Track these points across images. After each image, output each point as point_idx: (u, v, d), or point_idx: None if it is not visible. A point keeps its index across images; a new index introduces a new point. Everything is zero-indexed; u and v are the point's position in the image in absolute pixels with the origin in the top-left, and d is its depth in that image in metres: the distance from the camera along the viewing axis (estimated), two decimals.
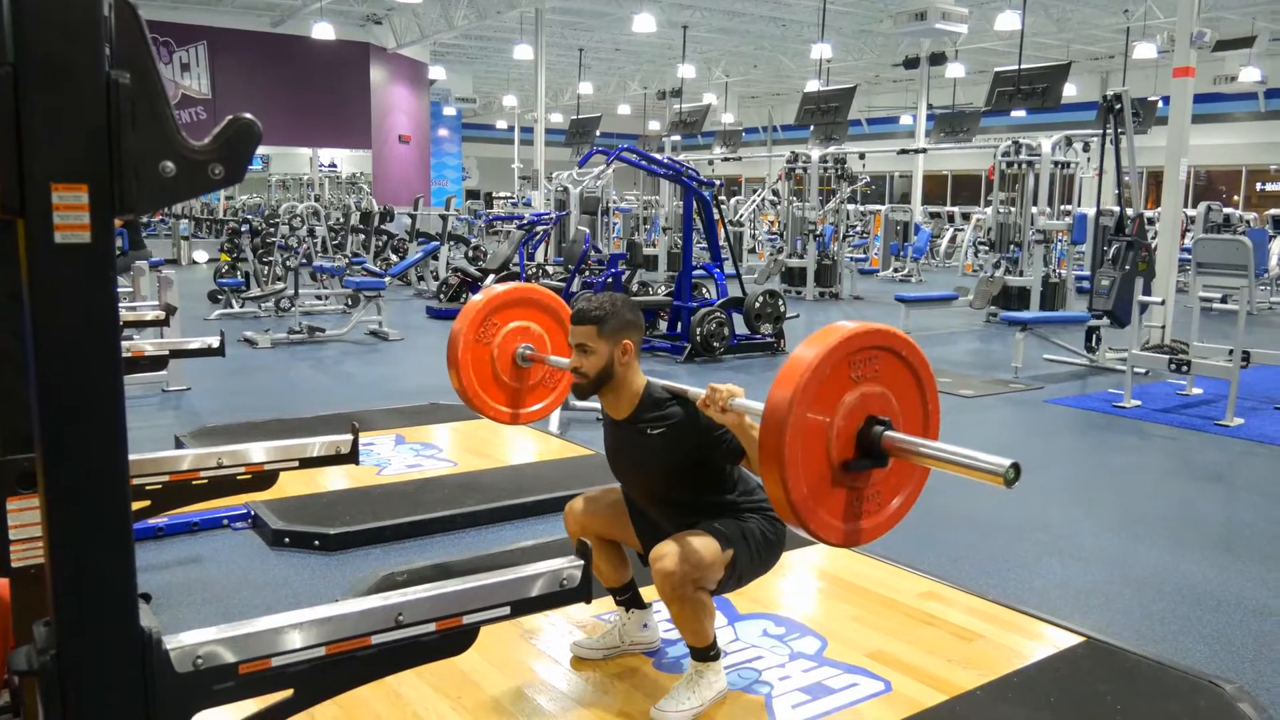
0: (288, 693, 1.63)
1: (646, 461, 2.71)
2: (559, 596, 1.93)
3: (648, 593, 3.01)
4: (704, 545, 2.53)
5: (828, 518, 1.98)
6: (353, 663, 1.66)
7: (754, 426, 2.32)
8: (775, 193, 18.39)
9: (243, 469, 2.68)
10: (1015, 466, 1.82)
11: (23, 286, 1.32)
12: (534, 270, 11.64)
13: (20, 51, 1.23)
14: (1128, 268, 8.17)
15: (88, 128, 1.27)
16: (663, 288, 11.09)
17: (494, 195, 26.87)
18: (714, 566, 2.54)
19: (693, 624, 2.62)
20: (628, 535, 2.86)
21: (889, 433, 1.99)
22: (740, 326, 9.26)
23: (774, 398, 1.89)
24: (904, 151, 20.54)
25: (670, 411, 2.66)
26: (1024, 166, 12.23)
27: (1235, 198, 24.91)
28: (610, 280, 9.07)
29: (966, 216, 21.32)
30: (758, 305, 9.22)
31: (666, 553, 2.50)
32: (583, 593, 1.98)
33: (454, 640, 1.77)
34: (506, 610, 1.83)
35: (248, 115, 1.39)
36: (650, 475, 2.74)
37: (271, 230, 12.28)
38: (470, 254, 14.93)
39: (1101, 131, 9.37)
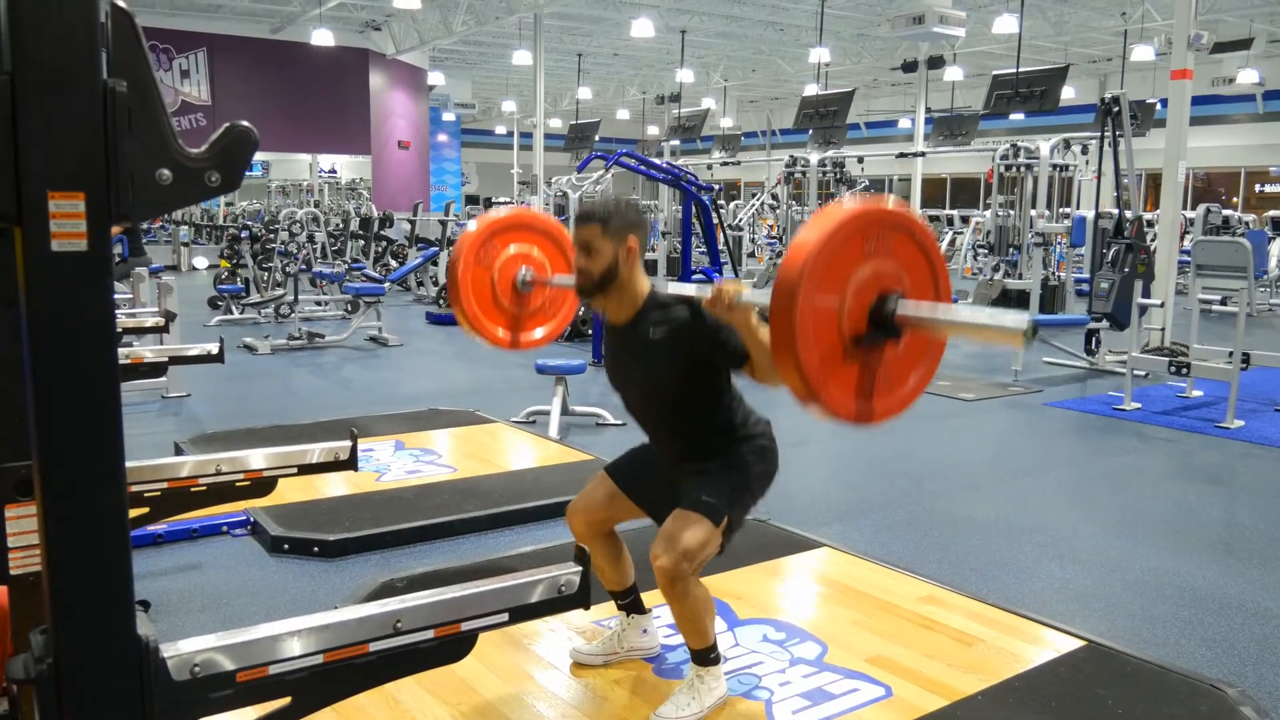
0: (286, 700, 1.62)
1: (647, 367, 2.66)
2: (558, 602, 1.93)
3: (648, 598, 3.01)
4: (695, 532, 2.51)
5: (839, 392, 1.94)
6: (351, 670, 1.65)
7: (761, 328, 2.32)
8: (774, 196, 18.40)
9: (242, 475, 2.68)
10: (1033, 324, 1.79)
11: (19, 295, 1.32)
12: None
13: (17, 59, 1.23)
14: (1127, 270, 8.17)
15: (84, 136, 1.27)
16: None
17: (493, 200, 26.88)
18: (709, 545, 2.54)
19: (694, 622, 2.61)
20: (631, 509, 2.84)
21: (902, 302, 1.97)
22: None
23: (787, 266, 1.86)
24: (903, 155, 20.55)
25: (675, 313, 2.60)
26: (1022, 169, 12.24)
27: (1234, 199, 24.92)
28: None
29: (965, 219, 21.31)
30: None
31: (662, 550, 2.51)
32: (581, 598, 1.97)
33: (453, 647, 1.76)
34: (505, 617, 1.83)
35: (244, 123, 1.39)
36: (650, 382, 2.69)
37: (271, 236, 12.29)
38: None
39: (1100, 134, 9.38)
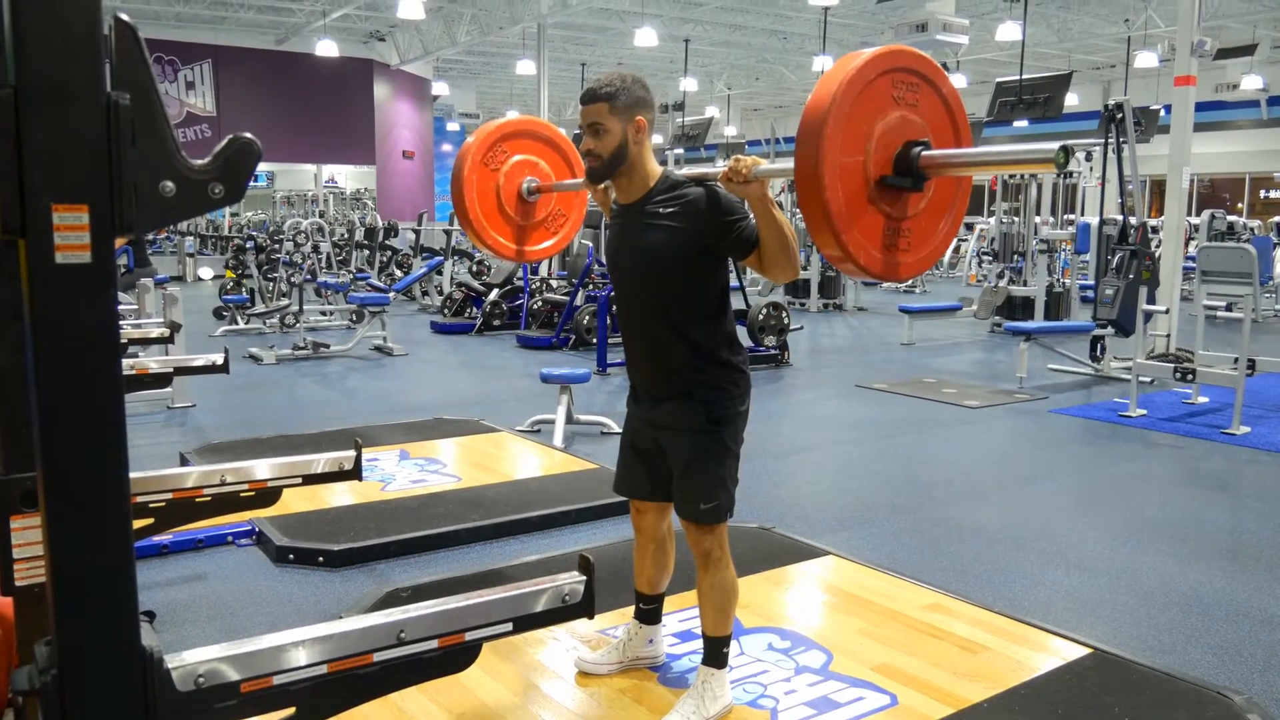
0: (289, 711, 1.62)
1: (650, 245, 2.55)
2: (562, 612, 1.93)
3: (669, 601, 3.01)
4: (710, 534, 2.64)
5: (865, 240, 1.92)
6: (355, 680, 1.65)
7: (775, 207, 2.34)
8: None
9: (246, 486, 2.68)
10: (1064, 148, 1.76)
11: (24, 306, 1.33)
12: (538, 284, 11.65)
13: (21, 73, 1.24)
14: (1131, 276, 8.16)
15: (88, 148, 1.28)
16: None
17: None
18: (722, 528, 2.66)
19: (721, 602, 2.67)
20: (654, 505, 2.84)
21: (927, 152, 1.95)
22: (744, 338, 9.24)
23: (817, 94, 1.84)
24: None
25: (688, 191, 2.52)
26: (1027, 176, 12.23)
27: (1239, 205, 24.88)
28: (614, 294, 9.08)
29: (970, 227, 21.30)
30: (761, 317, 9.22)
31: (690, 532, 2.66)
32: (585, 608, 1.97)
33: (456, 657, 1.76)
34: (509, 627, 1.83)
35: (247, 134, 1.40)
36: (650, 264, 2.58)
37: (276, 246, 12.32)
38: (474, 269, 14.95)
39: (1104, 141, 9.37)
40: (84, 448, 1.31)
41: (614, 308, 2.84)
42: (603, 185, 2.74)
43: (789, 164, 1.95)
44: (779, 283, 2.20)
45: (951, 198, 2.10)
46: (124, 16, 1.31)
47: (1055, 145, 1.77)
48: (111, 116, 1.28)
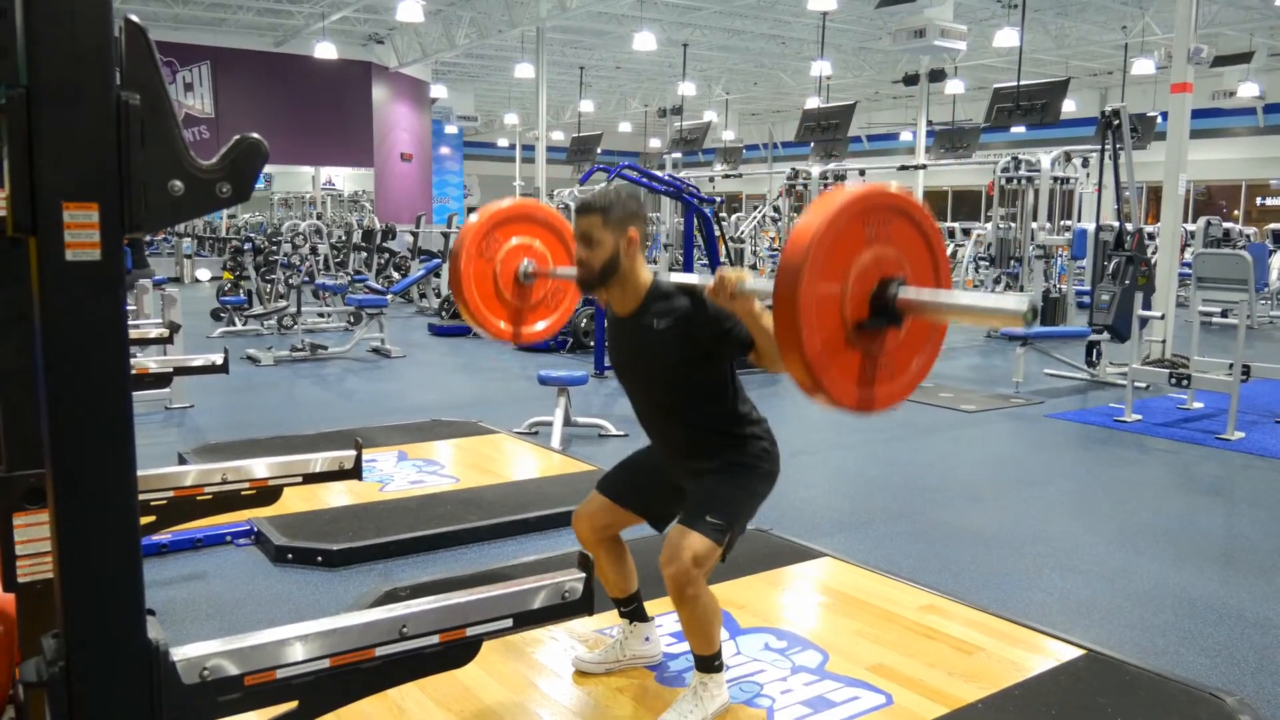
0: (292, 704, 1.64)
1: (652, 358, 2.65)
2: (561, 609, 1.95)
3: (650, 607, 3.03)
4: (702, 543, 2.53)
5: (842, 380, 1.95)
6: (357, 674, 1.67)
7: (764, 314, 2.33)
8: (776, 209, 18.45)
9: (247, 484, 2.69)
10: (1034, 306, 1.79)
11: (32, 304, 1.35)
12: None
13: (33, 74, 1.26)
14: (1128, 282, 8.20)
15: (98, 148, 1.30)
16: None
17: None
18: (714, 554, 2.56)
19: (703, 629, 2.63)
20: (629, 515, 2.86)
21: (904, 289, 1.98)
22: None
23: (789, 253, 1.87)
24: (904, 168, 20.59)
25: (678, 304, 2.60)
26: (1023, 182, 12.28)
27: (1235, 212, 24.96)
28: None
29: (967, 232, 21.34)
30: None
31: (669, 559, 2.52)
32: (584, 605, 1.99)
33: (457, 652, 1.78)
34: (509, 622, 1.85)
35: (254, 135, 1.42)
36: (655, 373, 2.68)
37: (274, 248, 12.34)
38: None
39: (1100, 147, 9.42)
40: (92, 442, 1.33)
41: (631, 403, 2.91)
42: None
43: (770, 285, 1.99)
44: (781, 374, 2.22)
45: (930, 331, 2.14)
46: (134, 18, 1.33)
47: (1026, 300, 1.82)
48: (122, 116, 1.30)
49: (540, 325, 3.48)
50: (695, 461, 2.69)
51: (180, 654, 1.51)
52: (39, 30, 1.25)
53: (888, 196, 2.01)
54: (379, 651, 1.68)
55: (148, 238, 16.58)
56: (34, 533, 2.01)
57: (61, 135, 1.27)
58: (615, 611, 3.03)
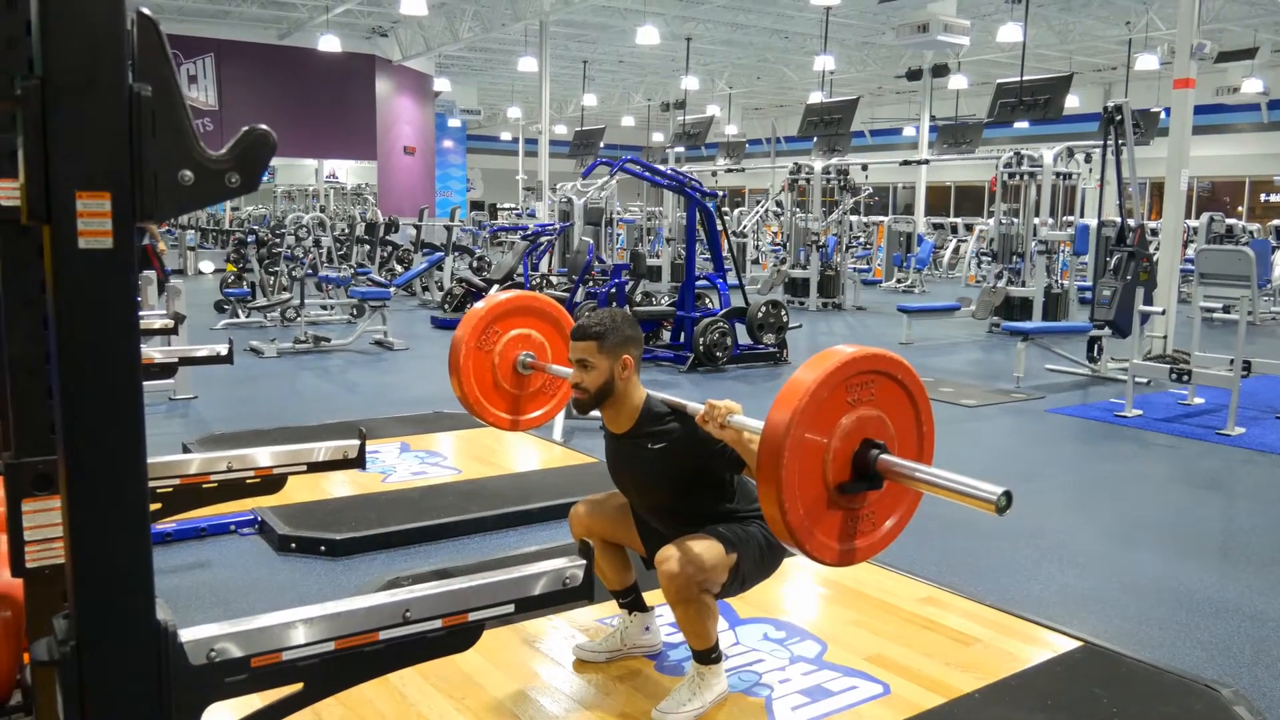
0: (298, 686, 1.67)
1: (647, 475, 2.75)
2: (562, 595, 1.98)
3: (650, 596, 3.06)
4: (708, 548, 2.56)
5: (824, 539, 2.01)
6: (361, 657, 1.70)
7: (753, 440, 2.34)
8: (779, 204, 18.45)
9: (251, 472, 2.72)
10: (1007, 494, 1.85)
11: (41, 292, 1.38)
12: (538, 281, 11.70)
13: (48, 65, 1.28)
14: (1129, 278, 8.21)
15: (111, 138, 1.32)
16: (666, 298, 11.14)
17: (498, 206, 26.98)
18: (717, 569, 2.56)
19: (696, 626, 2.65)
20: (631, 539, 2.91)
21: (884, 456, 2.02)
22: (743, 336, 9.31)
23: (772, 421, 1.92)
24: (907, 163, 20.60)
25: (670, 426, 2.70)
26: (1026, 177, 12.28)
27: (1239, 208, 24.95)
28: (614, 291, 9.13)
29: (969, 227, 21.38)
30: (760, 315, 9.27)
31: (671, 555, 2.54)
32: (585, 591, 2.02)
33: (459, 637, 1.81)
34: (511, 608, 1.88)
35: (263, 126, 1.44)
36: (651, 488, 2.78)
37: (277, 241, 12.37)
38: (474, 265, 15.01)
39: (1103, 143, 9.42)
40: (104, 427, 1.36)
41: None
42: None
43: (759, 425, 2.02)
44: None
45: (908, 490, 2.17)
46: (146, 11, 1.35)
47: (999, 491, 1.87)
48: (133, 107, 1.33)
49: (538, 413, 3.59)
50: (691, 528, 2.72)
51: (188, 635, 1.54)
52: (54, 23, 1.28)
53: (876, 360, 2.05)
54: (383, 635, 1.71)
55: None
56: (42, 518, 2.03)
57: (75, 126, 1.30)
58: (616, 601, 3.06)
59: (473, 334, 3.39)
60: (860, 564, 3.85)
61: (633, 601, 3.04)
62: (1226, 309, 11.06)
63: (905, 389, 2.13)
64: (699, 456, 2.64)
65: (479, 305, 3.50)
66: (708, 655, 2.73)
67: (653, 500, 2.81)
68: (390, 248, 16.42)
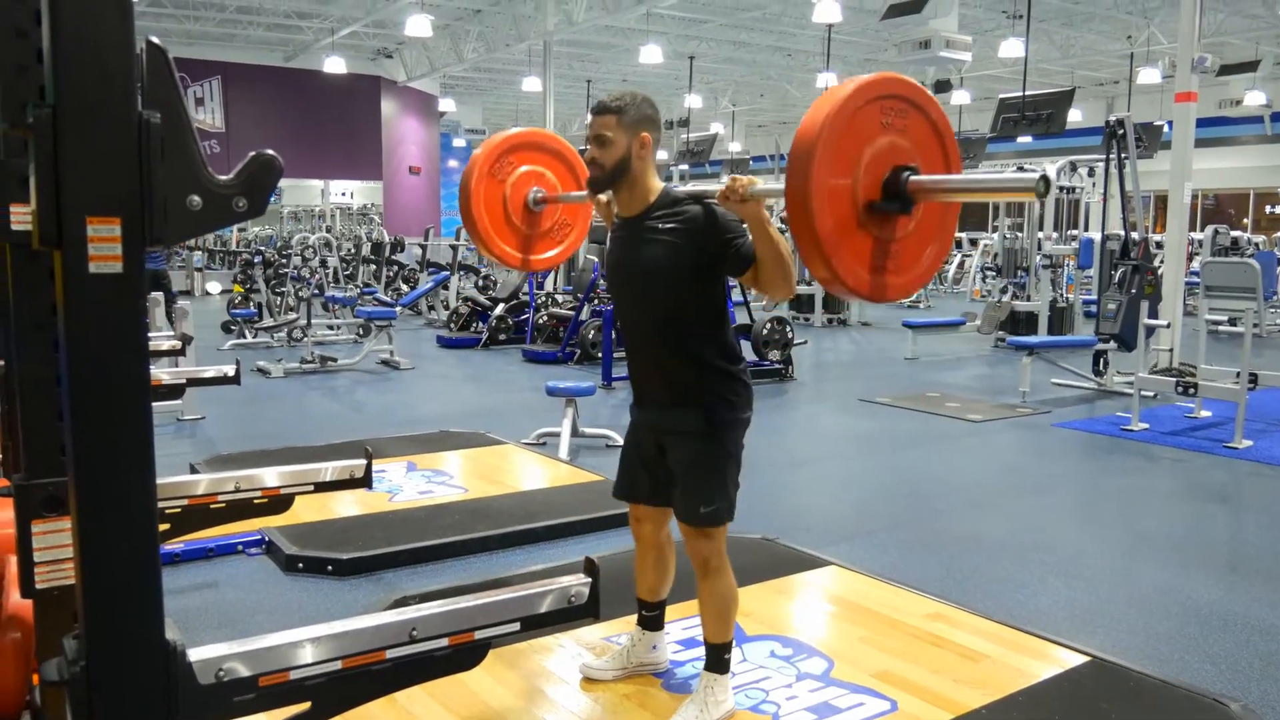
0: (305, 705, 1.68)
1: (650, 260, 2.61)
2: (568, 612, 1.98)
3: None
4: (707, 536, 2.66)
5: (853, 263, 1.97)
6: (368, 676, 1.71)
7: (771, 226, 2.38)
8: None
9: (259, 493, 2.74)
10: (1044, 179, 1.82)
11: (58, 315, 1.39)
12: (543, 299, 11.72)
13: (59, 93, 1.31)
14: (1134, 291, 8.22)
15: (121, 164, 1.35)
16: None
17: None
18: (722, 531, 2.69)
19: (721, 608, 2.71)
20: (655, 510, 2.88)
21: (914, 177, 1.99)
22: (749, 353, 9.31)
23: (807, 121, 1.88)
24: None
25: (686, 208, 2.59)
26: None
27: (1244, 220, 24.94)
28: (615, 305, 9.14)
29: (974, 242, 21.37)
30: (766, 332, 9.28)
31: (689, 538, 2.67)
32: (591, 609, 2.03)
33: (466, 655, 1.82)
34: (517, 626, 1.89)
35: (270, 151, 1.46)
36: (649, 279, 2.64)
37: (284, 261, 12.42)
38: (480, 283, 15.05)
39: (1106, 156, 9.45)
40: (114, 449, 1.38)
41: (617, 322, 2.91)
42: (605, 197, 2.81)
43: (783, 184, 2.00)
44: (776, 299, 2.25)
45: (940, 221, 2.15)
46: (155, 40, 1.38)
47: (1037, 174, 1.83)
48: (143, 134, 1.35)
49: (549, 254, 3.50)
50: (673, 410, 2.68)
51: (197, 655, 1.55)
52: (65, 52, 1.30)
53: (908, 87, 2.03)
54: (390, 654, 1.72)
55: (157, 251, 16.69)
56: (52, 540, 2.05)
57: (86, 152, 1.32)
58: (623, 620, 3.07)
59: (486, 159, 3.30)
60: (868, 577, 3.87)
61: (653, 619, 3.03)
62: (1232, 321, 11.04)
63: (937, 130, 2.09)
64: (711, 244, 2.54)
65: (493, 136, 3.44)
66: (721, 656, 2.74)
67: (644, 299, 2.69)
68: (396, 267, 16.47)
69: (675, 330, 2.65)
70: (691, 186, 2.68)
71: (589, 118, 2.70)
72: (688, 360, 2.64)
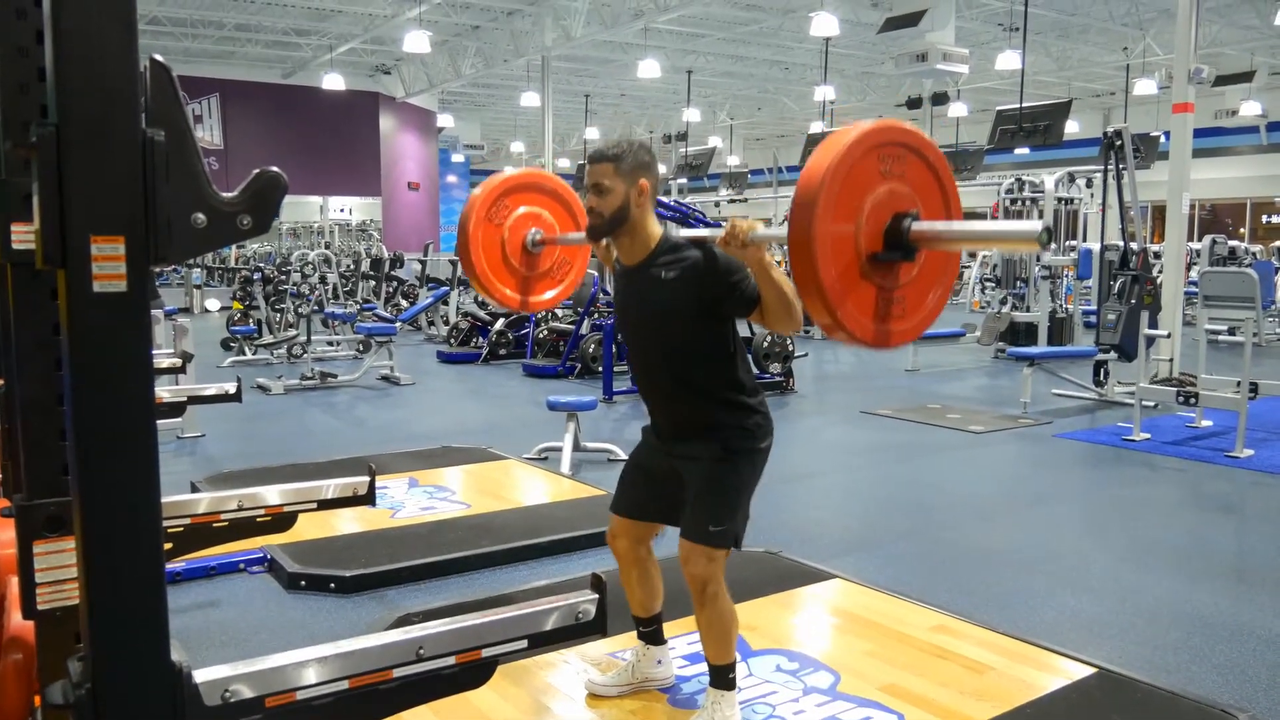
0: None
1: (657, 308, 2.64)
2: (575, 629, 1.97)
3: (665, 629, 3.04)
4: (711, 556, 2.61)
5: (857, 312, 1.97)
6: (375, 696, 1.70)
7: (774, 266, 2.37)
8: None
9: (262, 511, 2.72)
10: (1048, 230, 1.83)
11: (61, 334, 1.39)
12: (543, 314, 11.72)
13: (63, 112, 1.30)
14: (1133, 302, 8.22)
15: (125, 183, 1.34)
16: None
17: None
18: (724, 555, 2.64)
19: (720, 632, 2.67)
20: (651, 526, 2.88)
21: (916, 224, 2.00)
22: None
23: (807, 175, 1.89)
24: None
25: (688, 254, 2.60)
26: (1028, 203, 12.33)
27: (1241, 230, 24.98)
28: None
29: (972, 254, 21.40)
30: (766, 344, 9.28)
31: (686, 559, 2.60)
32: (598, 626, 2.01)
33: (473, 673, 1.81)
34: (524, 643, 1.87)
35: (274, 169, 1.46)
36: (657, 325, 2.67)
37: (283, 278, 12.43)
38: (480, 299, 15.06)
39: (1104, 167, 9.47)
40: (118, 468, 1.37)
41: (632, 366, 2.91)
42: (604, 243, 2.82)
43: (784, 231, 2.02)
44: (784, 334, 2.25)
45: (943, 266, 2.17)
46: (159, 58, 1.38)
47: (1040, 224, 1.86)
48: (147, 152, 1.35)
49: (548, 295, 3.49)
50: (691, 441, 2.68)
51: (202, 676, 1.54)
52: (68, 70, 1.30)
53: (905, 133, 2.04)
54: (396, 673, 1.71)
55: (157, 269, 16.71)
56: (54, 560, 2.04)
57: (90, 171, 1.32)
58: (628, 635, 3.05)
59: (484, 203, 3.31)
60: (873, 590, 3.86)
61: (653, 633, 3.02)
62: (1232, 331, 11.05)
63: (935, 172, 2.10)
64: (714, 289, 2.55)
65: (489, 179, 3.44)
66: (725, 674, 2.72)
67: (657, 347, 2.71)
68: (395, 283, 16.48)
69: (687, 370, 2.67)
70: (691, 233, 2.71)
71: (587, 165, 2.72)
72: (702, 396, 2.67)
